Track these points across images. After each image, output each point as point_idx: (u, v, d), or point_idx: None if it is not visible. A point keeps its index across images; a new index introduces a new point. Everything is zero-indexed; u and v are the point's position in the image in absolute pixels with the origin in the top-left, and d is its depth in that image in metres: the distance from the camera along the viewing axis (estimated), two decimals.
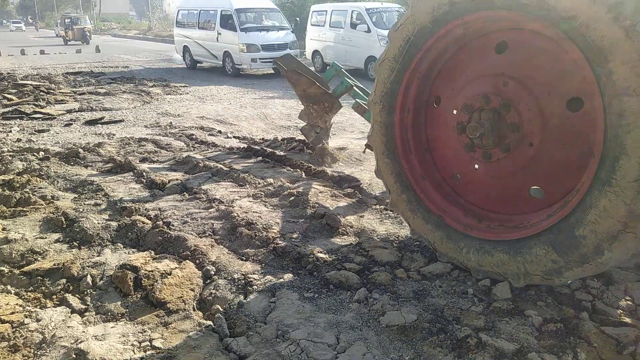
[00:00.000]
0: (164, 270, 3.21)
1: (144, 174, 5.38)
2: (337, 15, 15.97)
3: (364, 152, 5.49)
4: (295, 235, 3.82)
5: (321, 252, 3.51)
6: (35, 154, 6.26)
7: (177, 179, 5.16)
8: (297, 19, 21.15)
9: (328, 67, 6.19)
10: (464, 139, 3.05)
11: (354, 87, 5.64)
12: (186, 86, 13.26)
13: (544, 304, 2.85)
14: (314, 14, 17.20)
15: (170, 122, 8.46)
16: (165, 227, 3.92)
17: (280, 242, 3.65)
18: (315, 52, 16.77)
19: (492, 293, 2.95)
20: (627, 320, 2.74)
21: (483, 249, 2.99)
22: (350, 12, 15.24)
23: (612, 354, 2.43)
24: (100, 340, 2.61)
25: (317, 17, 16.93)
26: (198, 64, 18.11)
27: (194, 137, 7.35)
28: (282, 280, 3.18)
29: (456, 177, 3.34)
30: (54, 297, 3.04)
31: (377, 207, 4.48)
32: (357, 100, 5.36)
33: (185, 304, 2.94)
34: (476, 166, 3.11)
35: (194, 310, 2.94)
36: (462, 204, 3.32)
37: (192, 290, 3.07)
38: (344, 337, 2.60)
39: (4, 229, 3.93)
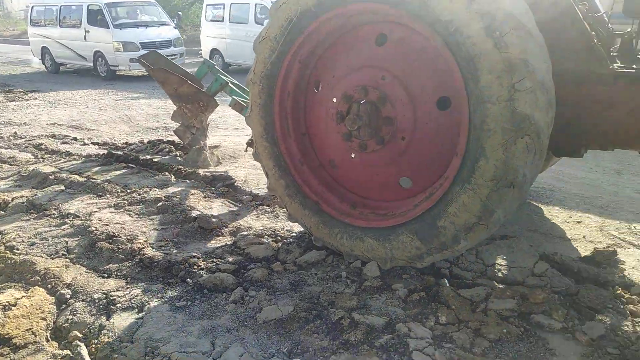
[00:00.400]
0: (8, 302, 2.79)
1: None
2: (238, 10, 14.43)
3: (245, 150, 5.35)
4: (164, 243, 3.59)
5: (194, 257, 3.34)
6: None
7: (22, 196, 4.54)
8: (179, 13, 19.67)
9: (200, 65, 5.86)
10: (342, 128, 3.06)
11: (230, 84, 5.47)
12: (35, 91, 11.80)
13: (408, 277, 3.04)
14: (209, 7, 15.40)
15: (15, 132, 7.44)
16: (8, 252, 3.42)
17: (147, 252, 3.40)
18: (215, 51, 15.20)
19: (363, 273, 3.08)
20: (479, 281, 3.05)
21: (355, 235, 3.10)
22: (254, 6, 13.80)
23: (468, 313, 2.67)
24: None
25: (214, 12, 15.22)
26: (62, 67, 15.99)
27: (43, 146, 6.55)
28: (150, 292, 2.96)
29: (334, 163, 3.39)
30: None
31: (253, 203, 4.41)
32: (234, 97, 5.21)
33: (35, 335, 2.59)
34: (352, 155, 3.17)
35: (48, 341, 2.60)
36: (339, 191, 3.39)
37: (44, 319, 2.71)
38: (220, 342, 2.50)
39: None
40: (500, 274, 3.13)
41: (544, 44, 2.46)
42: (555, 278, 3.06)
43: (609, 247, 3.51)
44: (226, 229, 3.84)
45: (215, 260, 3.34)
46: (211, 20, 15.45)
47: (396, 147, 2.94)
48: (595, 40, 2.86)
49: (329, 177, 3.44)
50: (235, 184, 4.91)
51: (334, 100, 3.13)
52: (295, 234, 3.74)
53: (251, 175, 5.20)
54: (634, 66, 2.89)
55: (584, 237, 3.78)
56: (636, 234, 3.86)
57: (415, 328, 2.53)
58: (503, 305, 2.70)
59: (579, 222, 4.07)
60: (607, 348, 2.39)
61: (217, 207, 4.28)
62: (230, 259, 3.34)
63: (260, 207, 4.29)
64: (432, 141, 2.84)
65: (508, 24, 2.29)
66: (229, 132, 7.47)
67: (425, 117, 2.80)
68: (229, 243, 3.61)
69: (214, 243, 3.64)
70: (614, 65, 2.88)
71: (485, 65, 2.33)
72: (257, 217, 4.11)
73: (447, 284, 2.95)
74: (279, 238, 3.70)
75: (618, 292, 2.92)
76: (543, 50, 2.44)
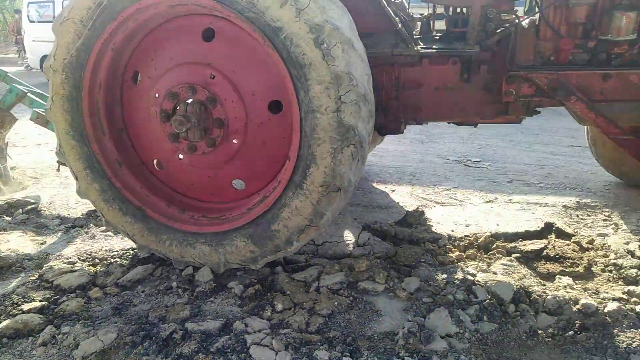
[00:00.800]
0: None
1: None
2: None
3: (57, 169, 4.61)
4: None
5: None
6: None
7: None
8: None
9: None
10: (168, 127, 2.83)
11: (29, 94, 4.64)
12: None
13: (243, 272, 2.98)
14: (32, 6, 13.13)
15: None
16: None
17: None
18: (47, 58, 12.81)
19: (196, 279, 2.91)
20: (312, 261, 3.13)
21: (186, 241, 2.92)
22: None
23: (302, 295, 2.71)
24: None
25: (39, 11, 13.09)
26: None
27: None
28: None
29: (159, 164, 3.12)
30: None
31: (62, 227, 3.86)
32: (35, 109, 4.44)
33: None
34: (180, 156, 2.96)
35: None
36: (166, 194, 3.14)
37: None
38: None
39: None
40: (330, 251, 3.27)
41: (365, 57, 2.59)
42: (377, 244, 3.31)
43: (417, 208, 3.95)
44: (29, 262, 3.27)
45: (16, 301, 2.82)
46: (37, 22, 13.06)
47: (228, 149, 2.84)
48: (399, 25, 3.13)
49: (154, 178, 3.16)
50: (39, 208, 4.23)
51: (157, 96, 2.87)
52: (117, 252, 3.38)
53: (58, 195, 4.55)
54: (434, 46, 3.24)
55: (398, 202, 4.19)
56: (439, 194, 4.43)
57: (252, 322, 2.47)
58: (333, 279, 2.82)
59: (393, 191, 4.50)
60: (422, 299, 2.66)
61: (15, 239, 3.62)
62: (36, 296, 2.85)
63: (72, 230, 3.78)
64: (265, 144, 2.81)
65: (335, 37, 2.36)
66: (29, 149, 6.46)
67: (257, 119, 2.76)
68: (34, 278, 3.08)
69: (14, 282, 3.06)
70: (418, 47, 3.19)
71: (314, 76, 2.37)
72: (68, 241, 3.60)
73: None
74: (97, 260, 3.29)
75: (428, 246, 3.30)
76: (364, 63, 2.57)
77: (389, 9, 3.13)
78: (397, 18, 3.20)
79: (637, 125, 3.24)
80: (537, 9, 3.10)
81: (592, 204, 3.99)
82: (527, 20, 3.14)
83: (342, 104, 2.39)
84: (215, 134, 2.79)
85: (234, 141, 2.81)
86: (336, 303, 2.61)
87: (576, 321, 2.46)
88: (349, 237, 3.46)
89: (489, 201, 4.18)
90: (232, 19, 2.57)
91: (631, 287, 2.76)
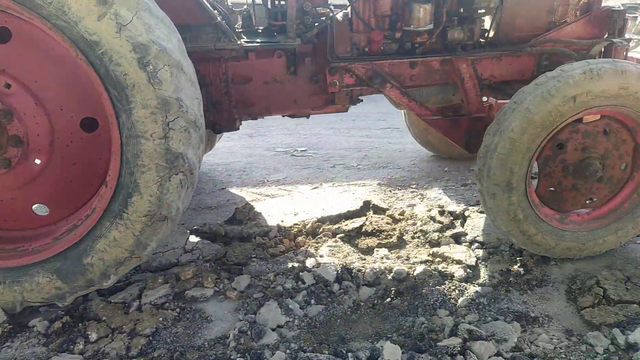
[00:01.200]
0: None
1: None
2: None
3: None
4: None
5: None
6: None
7: None
8: None
9: None
10: None
11: None
12: None
13: (48, 306, 2.58)
14: None
15: None
16: None
17: None
18: None
19: None
20: (133, 278, 2.86)
21: None
22: None
23: (122, 318, 2.46)
24: None
25: None
26: None
27: None
28: None
29: None
30: None
31: None
32: None
33: None
34: None
35: None
36: None
37: None
38: None
39: None
40: (155, 263, 3.03)
41: (195, 79, 2.41)
42: (206, 247, 3.19)
43: (247, 204, 3.92)
44: None
45: None
46: None
47: (28, 171, 2.44)
48: (219, 18, 2.97)
49: None
50: None
51: None
52: None
53: None
54: (258, 40, 3.16)
55: (228, 200, 4.11)
56: (269, 186, 4.46)
57: None
58: (157, 294, 2.62)
59: (223, 189, 4.40)
60: (253, 295, 2.63)
61: None
62: None
63: None
64: (75, 165, 2.48)
65: (162, 59, 2.16)
66: None
67: (67, 138, 2.42)
68: None
69: None
70: (241, 40, 3.08)
71: (138, 99, 2.16)
72: None
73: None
74: None
75: (259, 241, 3.28)
76: (195, 86, 2.39)
77: (205, 1, 2.99)
78: (215, 11, 3.08)
79: (442, 106, 3.67)
80: (348, 2, 3.26)
81: (402, 179, 4.44)
82: (341, 14, 3.28)
83: (171, 131, 2.24)
84: (11, 153, 2.39)
85: (36, 161, 2.45)
86: (161, 319, 2.43)
87: (392, 288, 2.70)
88: (176, 244, 3.25)
89: (315, 187, 4.35)
90: (36, 23, 2.21)
91: (435, 249, 3.13)
